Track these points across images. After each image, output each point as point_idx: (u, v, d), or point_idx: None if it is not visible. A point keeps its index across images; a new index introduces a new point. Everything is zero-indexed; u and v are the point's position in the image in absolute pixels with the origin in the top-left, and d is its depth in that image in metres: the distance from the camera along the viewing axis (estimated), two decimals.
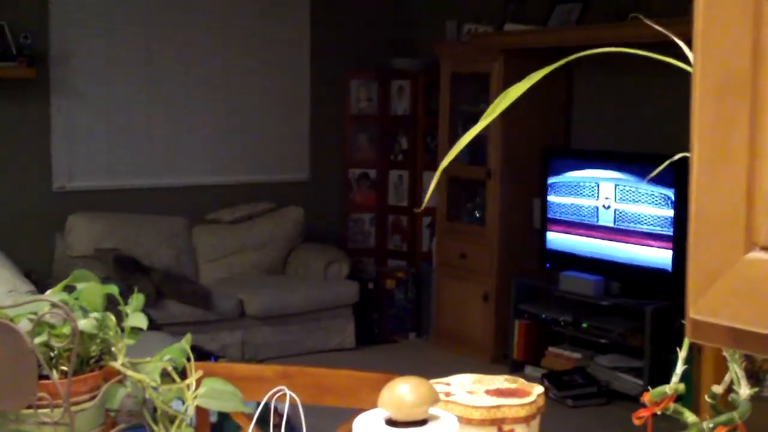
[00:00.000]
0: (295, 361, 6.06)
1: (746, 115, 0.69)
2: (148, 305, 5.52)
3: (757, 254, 0.69)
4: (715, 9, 0.71)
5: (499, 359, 5.95)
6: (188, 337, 1.71)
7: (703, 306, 0.72)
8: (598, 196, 5.56)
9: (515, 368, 5.78)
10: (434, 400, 1.15)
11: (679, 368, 1.20)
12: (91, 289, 1.60)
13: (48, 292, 1.69)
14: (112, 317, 1.63)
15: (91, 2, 6.23)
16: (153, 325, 5.28)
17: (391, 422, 1.15)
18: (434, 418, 1.16)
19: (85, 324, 1.56)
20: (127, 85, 6.37)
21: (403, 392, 1.13)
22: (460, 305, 6.20)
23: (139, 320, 1.62)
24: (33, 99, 6.08)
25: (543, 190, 5.86)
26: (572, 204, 5.73)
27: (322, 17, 6.96)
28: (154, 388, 1.54)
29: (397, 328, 6.71)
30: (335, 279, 6.44)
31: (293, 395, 1.65)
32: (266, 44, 6.81)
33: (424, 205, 1.63)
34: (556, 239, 5.82)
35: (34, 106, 6.09)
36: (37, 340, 1.48)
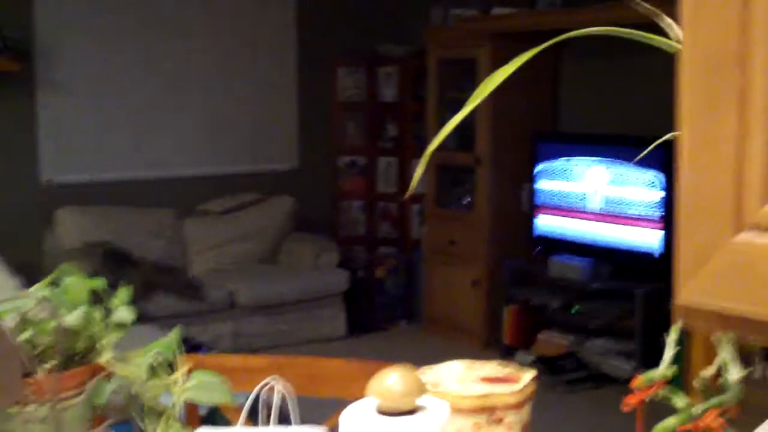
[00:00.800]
0: (287, 351, 6.05)
1: (735, 93, 0.68)
2: (138, 298, 5.52)
3: (746, 235, 0.68)
4: None
5: (491, 345, 5.95)
6: (176, 330, 1.70)
7: (692, 290, 0.71)
8: (586, 180, 5.56)
9: (506, 353, 5.78)
10: (422, 389, 1.14)
11: (669, 353, 1.19)
12: (76, 283, 1.59)
13: (34, 287, 1.68)
14: (98, 312, 1.61)
15: None
16: (143, 318, 5.26)
17: (381, 412, 1.14)
18: (423, 408, 1.15)
19: (70, 319, 1.54)
20: (113, 77, 6.33)
21: (390, 382, 1.12)
22: (450, 291, 6.19)
23: (125, 314, 1.60)
24: (18, 93, 6.03)
25: (532, 175, 5.85)
26: (561, 188, 5.72)
27: (308, 4, 6.93)
28: (142, 383, 1.52)
29: (389, 315, 6.70)
30: (325, 268, 6.42)
31: (287, 385, 1.64)
32: (252, 33, 6.77)
33: (409, 192, 1.61)
34: (546, 224, 5.81)
35: (20, 99, 6.05)
36: (21, 336, 1.47)
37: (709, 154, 0.69)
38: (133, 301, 1.77)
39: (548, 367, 5.36)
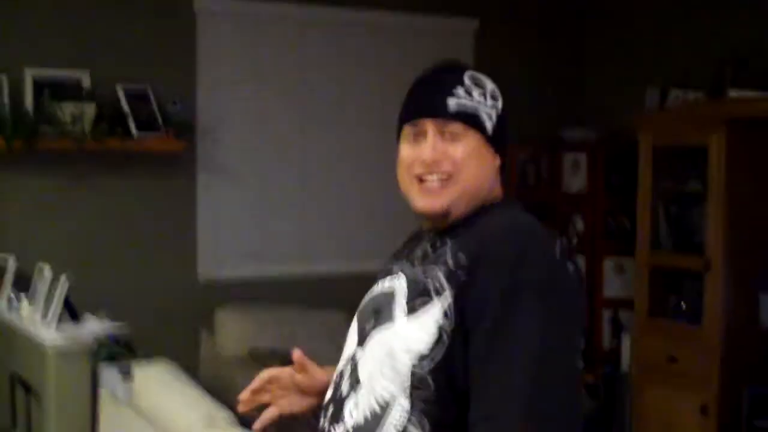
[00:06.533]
0: None
1: None
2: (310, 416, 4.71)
3: None
4: None
5: None
6: None
7: None
8: None
9: None
10: None
11: None
12: None
13: None
14: None
15: (240, 70, 5.53)
16: None
17: None
18: None
19: None
20: (278, 162, 5.64)
21: None
22: (670, 418, 5.27)
23: None
24: (180, 175, 5.36)
25: None
26: None
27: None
28: None
29: None
30: None
31: None
32: None
33: None
34: None
35: (182, 181, 5.37)
36: None
37: None
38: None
39: None
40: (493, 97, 1.73)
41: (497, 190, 1.76)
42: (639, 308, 5.52)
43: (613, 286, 6.11)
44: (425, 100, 1.72)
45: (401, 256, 1.82)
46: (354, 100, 5.77)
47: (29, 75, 4.94)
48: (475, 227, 1.65)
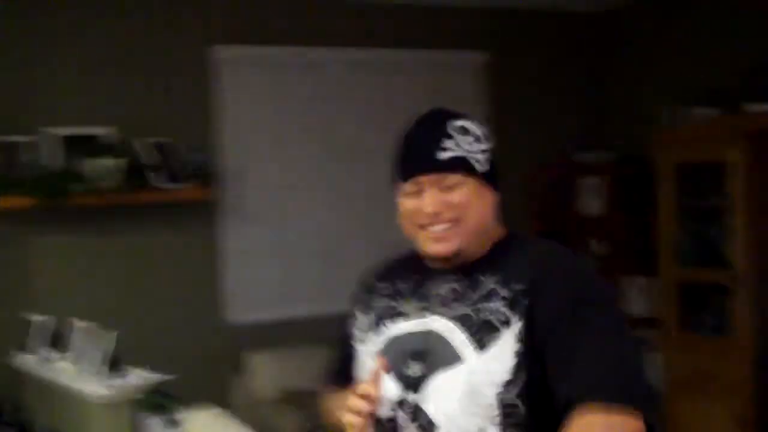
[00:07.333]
0: None
1: None
2: None
3: None
4: None
5: None
6: None
7: None
8: None
9: None
10: None
11: None
12: None
13: None
14: None
15: (262, 116, 5.59)
16: None
17: None
18: None
19: None
20: (301, 204, 5.68)
21: None
22: (706, 430, 5.27)
23: None
24: (202, 222, 5.39)
25: None
26: None
27: (505, 111, 6.25)
28: None
29: None
30: None
31: None
32: None
33: None
34: None
35: (205, 229, 5.41)
36: None
37: None
38: None
39: None
40: (479, 140, 1.80)
41: (499, 224, 1.85)
42: (667, 324, 5.54)
43: (635, 306, 6.12)
44: (418, 159, 1.80)
45: (403, 294, 1.86)
46: (376, 139, 5.77)
47: (55, 133, 4.97)
48: (513, 257, 1.74)
